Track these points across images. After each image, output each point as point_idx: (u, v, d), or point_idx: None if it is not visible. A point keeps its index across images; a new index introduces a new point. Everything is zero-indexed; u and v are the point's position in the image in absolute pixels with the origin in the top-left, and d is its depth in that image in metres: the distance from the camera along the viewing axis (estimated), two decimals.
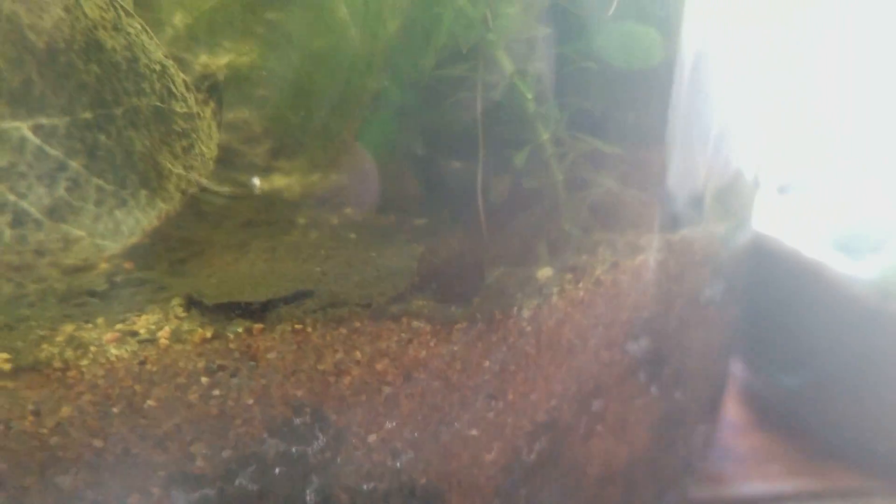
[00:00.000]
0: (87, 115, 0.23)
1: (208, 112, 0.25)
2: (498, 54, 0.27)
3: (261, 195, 0.31)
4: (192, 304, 0.22)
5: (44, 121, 0.23)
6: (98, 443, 0.20)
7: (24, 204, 0.23)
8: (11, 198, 0.23)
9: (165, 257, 0.26)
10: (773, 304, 0.42)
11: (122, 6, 0.24)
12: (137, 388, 0.20)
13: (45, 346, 0.20)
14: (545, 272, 0.26)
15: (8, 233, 0.23)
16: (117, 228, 0.24)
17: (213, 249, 0.26)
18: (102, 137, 0.23)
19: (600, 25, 0.29)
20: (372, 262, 0.26)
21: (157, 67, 0.24)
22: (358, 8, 0.26)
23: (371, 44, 0.27)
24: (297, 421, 0.22)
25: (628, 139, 0.30)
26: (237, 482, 0.22)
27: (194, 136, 0.24)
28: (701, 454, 0.37)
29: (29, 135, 0.23)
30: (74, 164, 0.23)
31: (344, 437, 0.22)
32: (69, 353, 0.20)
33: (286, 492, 0.22)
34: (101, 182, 0.24)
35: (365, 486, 0.23)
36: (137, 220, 0.24)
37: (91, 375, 0.20)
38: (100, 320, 0.22)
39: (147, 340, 0.21)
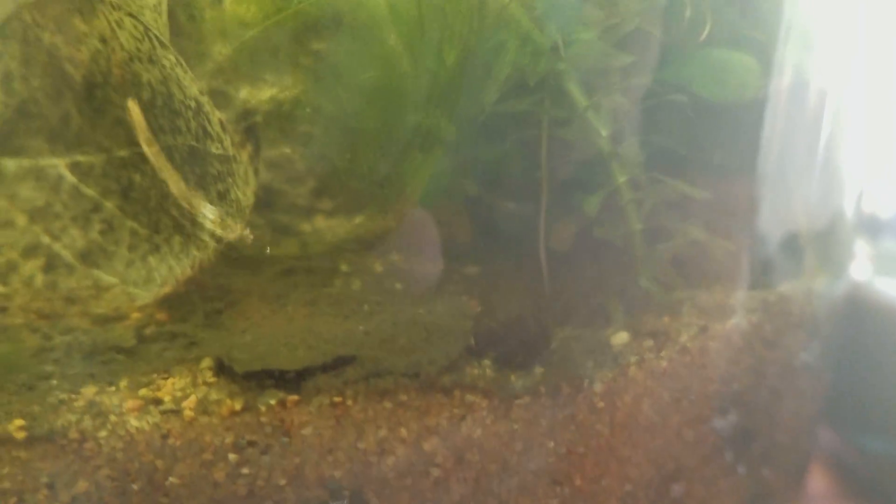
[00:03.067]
0: (123, 153, 0.22)
1: (245, 156, 0.23)
2: (569, 86, 0.24)
3: (302, 239, 0.29)
4: (221, 370, 0.20)
5: (81, 158, 0.21)
6: None
7: (57, 247, 0.21)
8: (46, 240, 0.21)
9: (200, 308, 0.24)
10: (867, 362, 0.37)
11: (157, 37, 0.23)
12: (159, 463, 0.18)
13: (63, 412, 0.19)
14: (621, 337, 0.22)
15: (40, 278, 0.21)
16: (150, 276, 0.22)
17: (250, 300, 0.24)
18: (137, 177, 0.22)
19: (689, 53, 0.26)
20: (420, 320, 0.23)
21: (193, 104, 0.22)
22: (412, 37, 0.24)
23: (426, 76, 0.24)
24: None
25: (717, 182, 0.26)
26: None
27: (230, 180, 0.22)
28: None
29: (66, 173, 0.21)
30: (109, 206, 0.22)
31: None
32: (87, 423, 0.18)
33: None
34: (135, 225, 0.22)
35: None
36: (171, 267, 0.22)
37: (109, 448, 0.18)
38: (123, 383, 0.20)
39: (171, 411, 0.19)
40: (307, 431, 0.19)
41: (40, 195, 0.21)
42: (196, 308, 0.24)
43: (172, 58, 0.22)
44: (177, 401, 0.19)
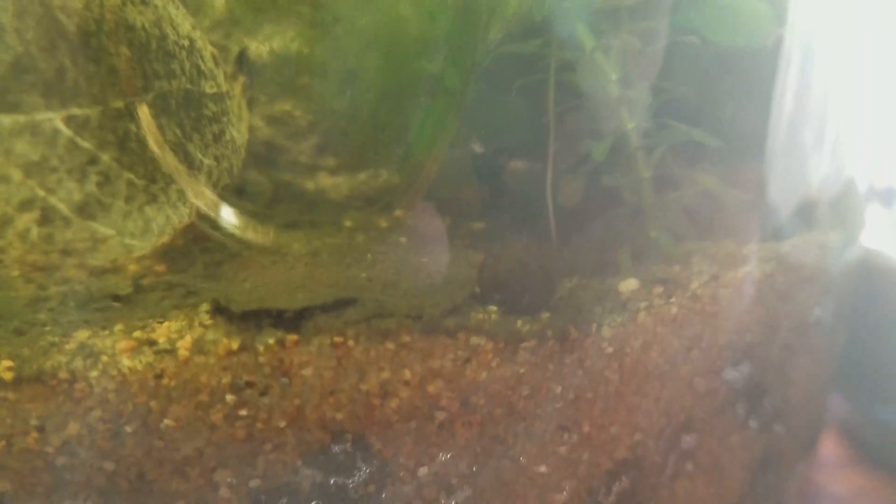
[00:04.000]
0: (118, 104, 0.21)
1: (238, 89, 0.22)
2: (577, 28, 0.23)
3: (306, 194, 0.29)
4: (218, 310, 0.19)
5: (76, 111, 0.21)
6: (109, 465, 0.18)
7: (54, 200, 0.21)
8: (41, 193, 0.21)
9: (200, 259, 0.24)
10: (878, 331, 0.37)
11: None
12: (153, 404, 0.18)
13: (53, 354, 0.18)
14: (629, 284, 0.22)
15: (35, 231, 0.21)
16: (147, 227, 0.22)
17: (250, 252, 0.23)
18: (133, 127, 0.21)
19: None
20: (424, 268, 0.23)
21: (186, 43, 0.22)
22: None
23: (427, 20, 0.24)
24: (336, 448, 0.19)
25: (729, 131, 0.26)
26: None
27: (224, 119, 0.21)
28: (798, 495, 0.32)
29: (62, 126, 0.21)
30: (105, 157, 0.21)
31: (390, 469, 0.19)
32: (77, 363, 0.18)
33: None
34: (131, 176, 0.21)
35: None
36: (168, 217, 0.22)
37: (101, 389, 0.18)
38: (118, 327, 0.19)
39: (165, 351, 0.18)
40: (307, 372, 0.18)
41: (36, 150, 0.20)
42: (196, 260, 0.24)
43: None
44: (171, 341, 0.18)
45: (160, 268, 0.23)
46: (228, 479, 0.18)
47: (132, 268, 0.23)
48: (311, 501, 0.19)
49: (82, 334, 0.19)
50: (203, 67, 0.21)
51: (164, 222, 0.22)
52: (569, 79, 0.24)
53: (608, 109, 0.24)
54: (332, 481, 0.19)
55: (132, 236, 0.22)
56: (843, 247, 0.30)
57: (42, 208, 0.21)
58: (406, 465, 0.19)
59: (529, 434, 0.20)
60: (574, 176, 0.25)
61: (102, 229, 0.21)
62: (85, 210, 0.21)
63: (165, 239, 0.22)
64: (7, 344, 0.18)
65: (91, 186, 0.21)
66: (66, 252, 0.21)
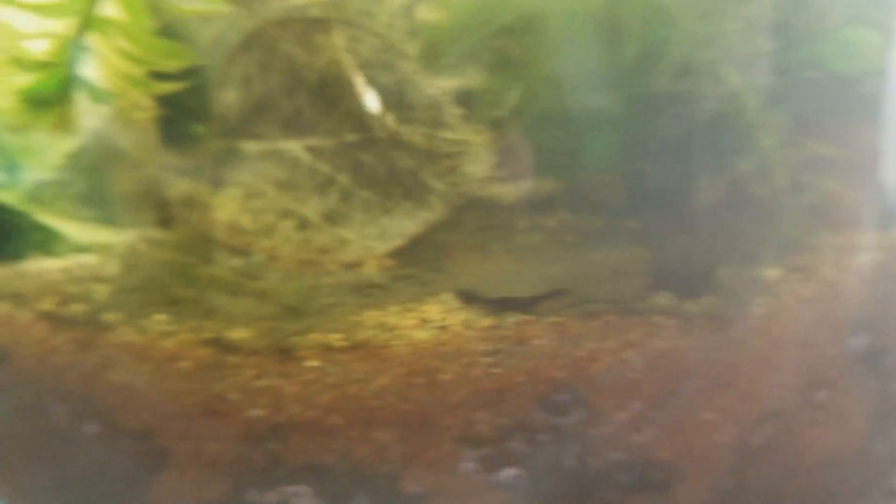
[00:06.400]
0: (352, 137, 0.27)
1: (480, 139, 0.29)
2: (722, 69, 0.29)
3: (481, 200, 0.35)
4: (469, 298, 0.26)
5: (313, 142, 0.27)
6: (405, 406, 0.25)
7: (304, 211, 0.28)
8: (293, 205, 0.28)
9: (423, 256, 0.31)
10: None
11: (400, 51, 0.28)
12: (434, 364, 0.25)
13: (361, 328, 0.26)
14: (772, 272, 0.28)
15: (295, 235, 0.28)
16: (383, 233, 0.28)
17: (458, 251, 0.30)
18: (366, 157, 0.27)
19: (819, 34, 0.30)
20: (601, 263, 0.29)
21: (428, 101, 0.28)
22: (594, 35, 0.29)
23: (607, 65, 0.30)
24: (557, 398, 0.26)
25: (846, 143, 0.31)
26: (510, 445, 0.26)
27: (461, 159, 0.28)
28: None
29: (301, 154, 0.27)
30: (342, 179, 0.28)
31: (596, 414, 0.26)
32: (383, 335, 0.25)
33: (548, 455, 0.26)
34: (367, 194, 0.28)
35: (613, 456, 0.26)
36: (402, 226, 0.28)
37: (399, 353, 0.25)
38: (393, 308, 0.27)
39: (440, 327, 0.25)
40: (538, 342, 0.25)
41: (281, 171, 0.27)
42: (419, 257, 0.31)
43: (413, 66, 0.28)
44: (442, 320, 0.26)
45: (391, 262, 0.31)
46: (484, 418, 0.26)
47: (373, 262, 0.30)
48: (541, 435, 0.26)
49: (373, 313, 0.26)
50: (443, 120, 0.28)
51: (399, 230, 0.29)
52: (714, 107, 0.30)
53: (749, 131, 0.30)
54: (555, 421, 0.26)
55: (371, 240, 0.29)
56: None
57: (297, 217, 0.28)
58: (607, 411, 0.26)
59: (699, 390, 0.27)
60: (718, 183, 0.31)
61: (346, 233, 0.28)
62: (330, 218, 0.28)
63: (400, 243, 0.29)
64: (323, 321, 0.26)
65: (332, 202, 0.28)
66: (323, 251, 0.29)
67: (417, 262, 0.31)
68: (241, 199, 0.28)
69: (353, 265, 0.31)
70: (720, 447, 0.27)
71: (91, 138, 0.28)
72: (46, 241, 0.28)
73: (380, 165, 0.28)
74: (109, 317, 0.26)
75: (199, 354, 0.25)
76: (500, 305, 0.26)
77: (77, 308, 0.26)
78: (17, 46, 0.28)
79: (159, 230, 0.29)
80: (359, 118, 0.28)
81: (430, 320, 0.26)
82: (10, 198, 0.28)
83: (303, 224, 0.28)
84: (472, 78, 0.33)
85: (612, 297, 0.26)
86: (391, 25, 0.30)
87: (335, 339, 0.25)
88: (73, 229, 0.28)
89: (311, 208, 0.28)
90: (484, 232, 0.33)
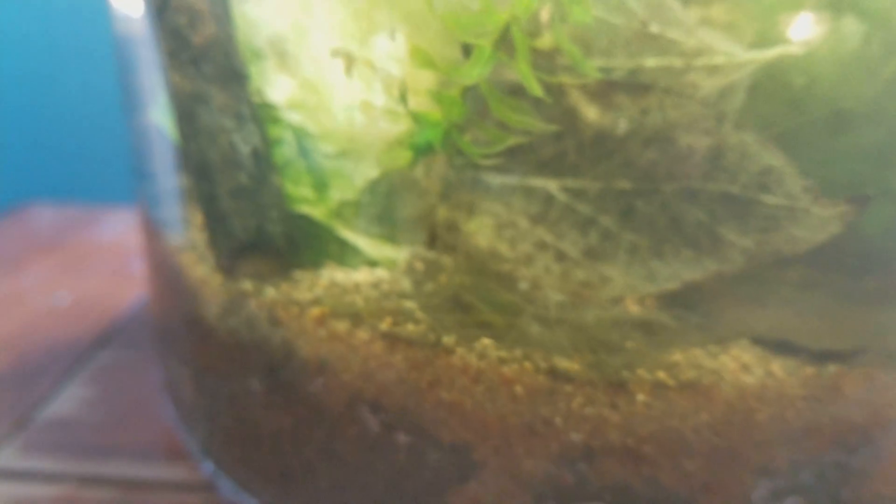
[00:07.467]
0: (625, 185, 0.26)
1: (827, 213, 0.26)
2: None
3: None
4: (782, 347, 0.27)
5: (571, 183, 0.26)
6: (717, 440, 0.27)
7: (562, 245, 0.27)
8: (550, 238, 0.27)
9: (691, 300, 0.29)
10: None
11: (721, 115, 0.26)
12: (754, 405, 0.27)
13: (680, 369, 0.27)
14: None
15: (554, 267, 0.27)
16: (651, 275, 0.27)
17: (729, 297, 0.29)
18: (640, 204, 0.26)
19: None
20: None
21: (756, 169, 0.25)
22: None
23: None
24: (852, 438, 0.28)
25: None
26: (800, 478, 0.28)
27: (786, 224, 0.26)
28: None
29: (556, 192, 0.26)
30: (604, 220, 0.26)
31: (880, 453, 0.28)
32: (710, 377, 0.26)
33: (831, 488, 0.28)
34: (634, 237, 0.26)
35: (884, 491, 0.29)
36: (676, 271, 0.27)
37: (726, 394, 0.26)
38: (695, 351, 0.27)
39: (766, 373, 0.26)
40: (848, 390, 0.27)
41: (533, 206, 0.26)
42: (688, 300, 0.29)
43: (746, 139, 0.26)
44: (765, 366, 0.27)
45: (650, 302, 0.29)
46: (783, 453, 0.27)
47: (636, 301, 0.29)
48: (827, 469, 0.28)
49: (683, 355, 0.27)
50: (778, 186, 0.26)
51: (671, 274, 0.27)
52: None
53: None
54: (842, 458, 0.28)
55: (634, 279, 0.27)
56: None
57: (554, 250, 0.27)
58: (890, 450, 0.28)
59: None
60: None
61: (608, 271, 0.27)
62: (590, 254, 0.27)
63: (672, 286, 0.27)
64: (642, 356, 0.27)
65: (593, 240, 0.27)
66: (584, 285, 0.28)
67: (685, 305, 0.30)
68: (493, 227, 0.28)
69: (615, 302, 0.29)
70: None
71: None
72: (342, 253, 0.28)
73: (659, 214, 0.26)
74: (448, 340, 0.26)
75: (534, 381, 0.26)
76: (822, 357, 0.27)
77: (411, 328, 0.27)
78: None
79: (428, 250, 0.29)
80: (642, 170, 0.26)
81: (749, 365, 0.27)
82: (318, 213, 0.28)
83: (561, 257, 0.27)
84: None
85: None
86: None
87: (663, 376, 0.26)
88: (365, 244, 0.28)
89: (570, 243, 0.27)
90: (763, 285, 0.32)
